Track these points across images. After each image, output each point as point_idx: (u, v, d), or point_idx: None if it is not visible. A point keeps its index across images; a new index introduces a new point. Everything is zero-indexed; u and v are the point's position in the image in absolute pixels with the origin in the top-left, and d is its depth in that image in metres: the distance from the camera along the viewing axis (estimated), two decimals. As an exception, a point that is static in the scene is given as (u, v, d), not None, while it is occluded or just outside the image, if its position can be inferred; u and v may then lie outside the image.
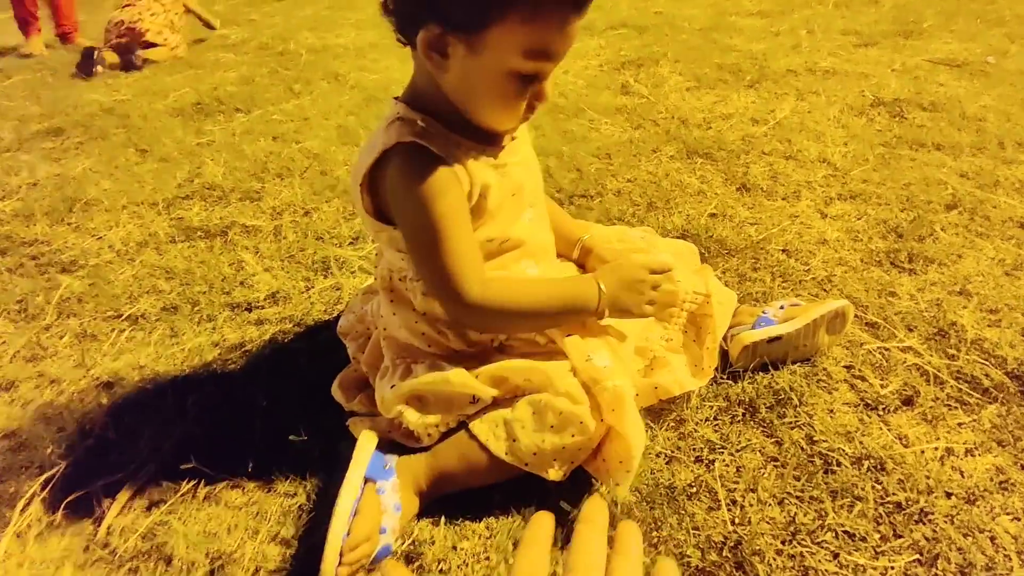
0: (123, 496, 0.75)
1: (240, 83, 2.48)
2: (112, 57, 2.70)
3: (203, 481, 0.77)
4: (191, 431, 0.85)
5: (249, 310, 1.09)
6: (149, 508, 0.75)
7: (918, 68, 2.19)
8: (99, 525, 0.73)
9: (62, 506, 0.75)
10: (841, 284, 1.06)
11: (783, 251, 1.16)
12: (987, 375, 0.84)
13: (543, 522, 0.30)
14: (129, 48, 2.66)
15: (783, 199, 1.36)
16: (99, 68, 2.60)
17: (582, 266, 0.89)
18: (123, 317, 1.10)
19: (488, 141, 0.68)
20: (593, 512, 0.30)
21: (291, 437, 0.81)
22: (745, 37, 2.74)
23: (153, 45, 2.72)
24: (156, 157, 1.79)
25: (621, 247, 0.91)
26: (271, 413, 0.86)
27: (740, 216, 1.30)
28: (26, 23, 3.08)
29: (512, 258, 0.74)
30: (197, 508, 0.74)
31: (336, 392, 0.85)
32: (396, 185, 0.64)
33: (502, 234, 0.71)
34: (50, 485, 0.78)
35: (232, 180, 1.60)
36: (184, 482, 0.77)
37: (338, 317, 1.02)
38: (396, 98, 0.69)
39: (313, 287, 1.14)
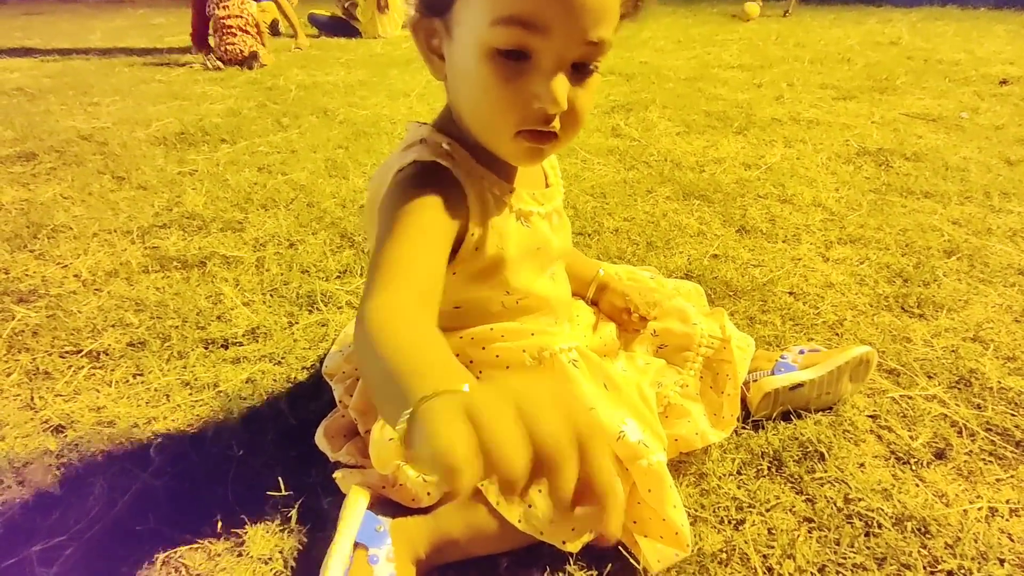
0: (61, 565, 0.64)
1: (226, 115, 2.43)
2: (268, 59, 3.50)
3: (162, 544, 0.67)
4: (151, 484, 0.74)
5: (225, 347, 1.00)
6: (94, 579, 0.64)
7: (896, 121, 2.26)
8: (32, 600, 0.61)
9: (-11, 576, 0.64)
10: (853, 329, 1.02)
11: (790, 294, 1.13)
12: (1018, 427, 0.80)
13: None
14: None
15: (783, 242, 1.35)
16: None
17: (595, 303, 0.83)
18: (83, 353, 1.00)
19: (517, 183, 0.62)
20: None
21: (268, 492, 0.72)
22: (729, 88, 2.83)
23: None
24: (134, 185, 1.71)
25: (631, 284, 0.86)
26: (246, 463, 0.77)
27: (742, 258, 1.27)
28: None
29: (532, 318, 0.68)
30: (153, 578, 0.63)
31: (320, 440, 0.76)
32: (388, 192, 0.52)
33: (523, 289, 0.64)
34: (-23, 549, 0.67)
35: (214, 210, 1.52)
36: (138, 547, 0.66)
37: (324, 356, 0.93)
38: (421, 123, 0.62)
39: (297, 323, 1.06)
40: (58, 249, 1.34)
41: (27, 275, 1.23)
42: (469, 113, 0.54)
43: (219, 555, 0.66)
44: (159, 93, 2.85)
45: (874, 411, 0.83)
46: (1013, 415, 0.82)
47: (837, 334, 1.01)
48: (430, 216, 0.51)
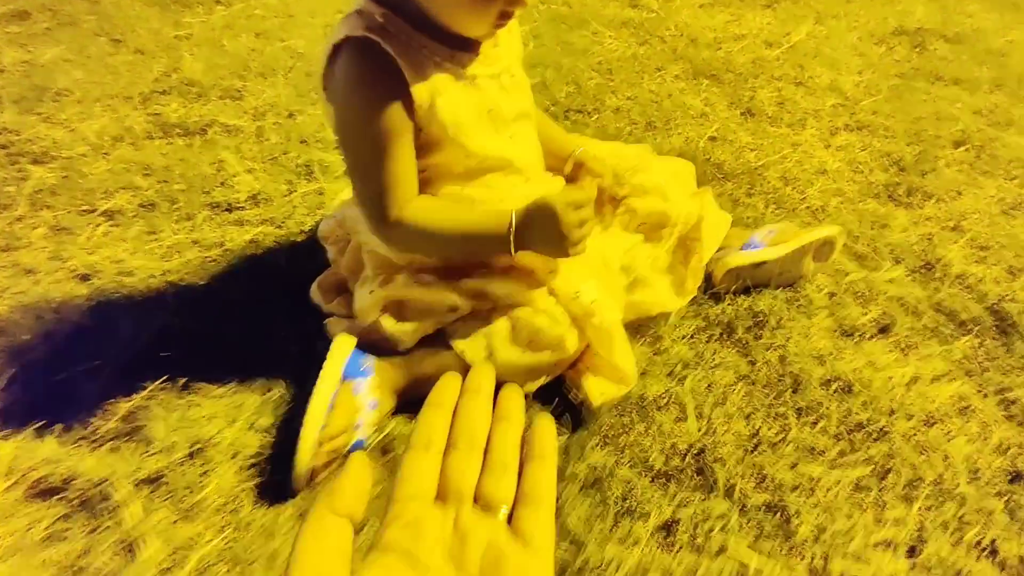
0: (103, 380, 0.76)
1: (221, -28, 2.29)
2: None
3: (182, 371, 0.78)
4: (170, 324, 0.84)
5: (229, 210, 1.06)
6: (129, 393, 0.76)
7: (948, -4, 2.05)
8: (80, 406, 0.74)
9: (41, 387, 0.76)
10: (835, 214, 1.04)
11: (781, 179, 1.13)
12: (966, 308, 0.85)
13: (449, 384, 0.29)
14: None
15: (788, 126, 1.31)
16: None
17: (573, 180, 0.86)
18: (99, 212, 1.07)
19: (459, 46, 0.62)
20: (477, 382, 0.29)
21: (270, 334, 0.81)
22: (769, -48, 2.53)
23: None
24: (131, 48, 1.67)
25: (614, 162, 0.88)
26: (251, 310, 0.86)
27: (741, 141, 1.25)
28: None
29: (497, 177, 0.71)
30: (176, 396, 0.75)
31: (315, 293, 0.84)
32: (339, 87, 0.60)
33: (480, 151, 0.66)
34: (29, 368, 0.79)
35: (212, 77, 1.50)
36: (163, 372, 0.78)
37: (320, 222, 0.99)
38: None
39: (295, 190, 1.11)
40: (64, 113, 1.36)
41: (38, 138, 1.27)
42: (439, 4, 0.56)
43: (230, 383, 0.77)
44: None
45: (833, 289, 0.88)
46: (965, 297, 0.86)
47: (818, 219, 1.03)
48: (395, 113, 0.59)
